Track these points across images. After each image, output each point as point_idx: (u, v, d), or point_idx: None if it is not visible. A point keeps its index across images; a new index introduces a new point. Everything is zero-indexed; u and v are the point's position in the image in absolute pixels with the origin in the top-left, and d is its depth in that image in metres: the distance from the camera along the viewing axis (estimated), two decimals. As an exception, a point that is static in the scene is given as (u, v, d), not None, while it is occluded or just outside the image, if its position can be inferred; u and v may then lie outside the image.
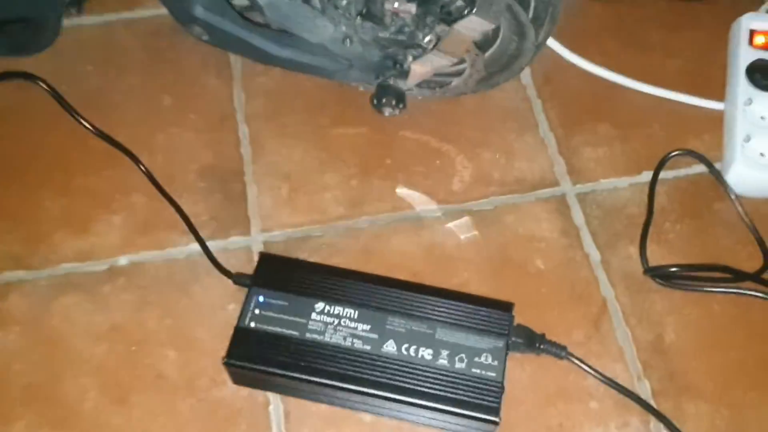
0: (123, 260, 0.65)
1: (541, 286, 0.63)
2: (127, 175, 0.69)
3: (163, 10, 0.75)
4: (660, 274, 0.63)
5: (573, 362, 0.59)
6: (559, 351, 0.58)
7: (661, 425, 0.58)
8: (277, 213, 0.67)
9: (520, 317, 0.58)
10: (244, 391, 0.59)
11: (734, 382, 0.59)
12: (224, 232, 0.66)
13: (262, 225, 0.67)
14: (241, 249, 0.66)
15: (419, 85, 0.68)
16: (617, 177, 0.69)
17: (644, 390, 0.59)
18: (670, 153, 0.69)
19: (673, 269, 0.62)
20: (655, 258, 0.65)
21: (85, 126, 0.70)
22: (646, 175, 0.69)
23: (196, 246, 0.65)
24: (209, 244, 0.65)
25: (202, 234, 0.66)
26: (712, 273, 0.63)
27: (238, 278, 0.62)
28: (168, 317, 0.62)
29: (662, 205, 0.67)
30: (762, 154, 0.66)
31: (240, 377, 0.58)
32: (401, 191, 0.67)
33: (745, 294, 0.62)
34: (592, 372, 0.58)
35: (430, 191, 0.69)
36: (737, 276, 0.62)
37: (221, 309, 0.62)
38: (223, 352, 0.59)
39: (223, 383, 0.59)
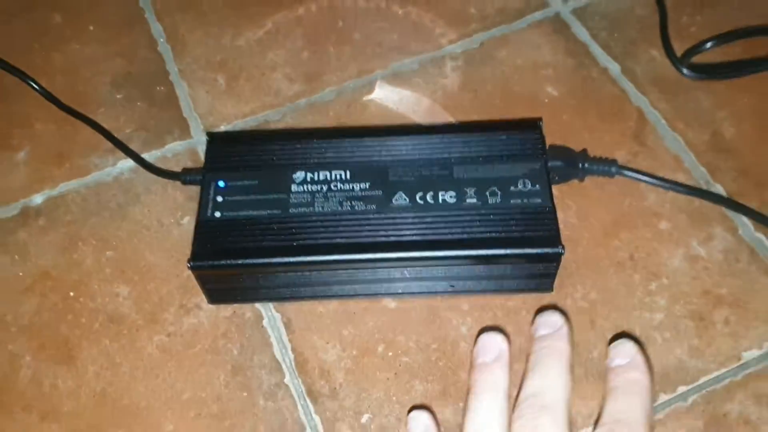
0: (38, 198, 0.50)
1: (561, 113, 0.51)
2: (24, 105, 0.55)
3: None
4: (697, 67, 0.52)
5: (628, 176, 0.46)
6: (608, 167, 0.46)
7: (751, 226, 0.46)
8: (219, 106, 0.54)
9: (547, 145, 0.46)
10: (226, 309, 0.45)
11: (822, 159, 0.48)
12: (158, 140, 0.53)
13: (203, 123, 0.53)
14: (183, 154, 0.52)
15: None
16: (613, -17, 0.58)
17: (719, 194, 0.47)
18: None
19: (708, 44, 0.51)
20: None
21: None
22: (645, -25, 0.58)
23: (126, 163, 0.51)
24: (144, 157, 0.51)
25: (131, 148, 0.52)
26: (756, 38, 0.51)
27: (187, 175, 0.48)
28: (108, 249, 0.48)
29: (672, 0, 0.56)
30: None
31: (216, 291, 0.44)
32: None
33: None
34: (655, 181, 0.46)
35: (400, 45, 0.56)
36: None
37: (175, 225, 0.49)
38: (188, 273, 0.45)
39: (197, 307, 0.45)
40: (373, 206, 0.43)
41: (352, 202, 0.43)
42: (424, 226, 0.42)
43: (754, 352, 0.42)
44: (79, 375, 0.44)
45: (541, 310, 0.42)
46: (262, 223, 0.42)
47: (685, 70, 0.52)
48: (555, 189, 0.47)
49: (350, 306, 0.45)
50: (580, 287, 0.44)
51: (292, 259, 0.41)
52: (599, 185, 0.48)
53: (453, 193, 0.43)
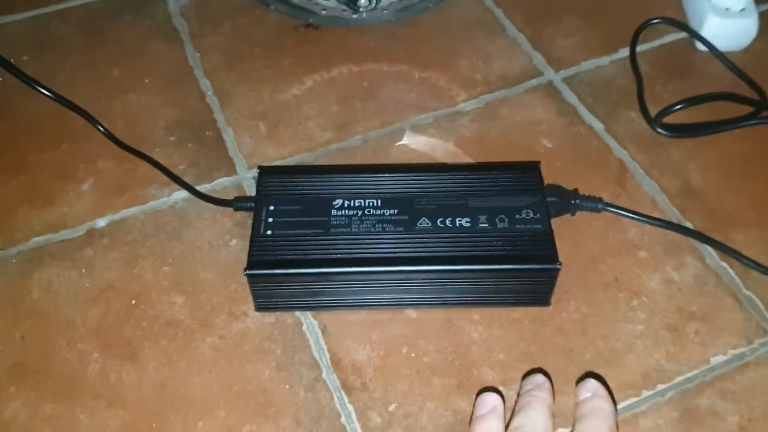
0: (101, 222, 0.58)
1: (554, 161, 0.60)
2: (89, 143, 0.63)
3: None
4: (669, 126, 0.61)
5: (613, 212, 0.55)
6: (595, 203, 0.55)
7: (716, 257, 0.54)
8: (261, 149, 0.62)
9: (545, 183, 0.55)
10: (270, 317, 0.52)
11: (774, 204, 0.57)
12: (208, 176, 0.61)
13: (247, 163, 0.62)
14: (230, 188, 0.60)
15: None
16: (597, 57, 0.68)
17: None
18: (644, 23, 0.68)
19: (678, 106, 0.61)
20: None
21: (41, 92, 0.64)
22: (623, 52, 0.69)
23: (180, 194, 0.59)
24: (198, 189, 0.59)
25: (185, 181, 0.60)
26: (719, 102, 0.62)
27: (239, 202, 0.56)
28: (165, 266, 0.55)
29: (647, 72, 0.67)
30: (727, 9, 0.67)
31: (264, 299, 0.52)
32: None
33: (755, 124, 0.61)
34: (636, 217, 0.55)
35: (417, 103, 0.65)
36: (743, 101, 0.61)
37: (223, 246, 0.56)
38: (235, 286, 0.53)
39: (245, 315, 0.52)
40: (401, 228, 0.51)
41: (383, 225, 0.51)
42: (443, 244, 0.50)
43: (720, 358, 0.50)
44: (141, 369, 0.50)
45: (528, 374, 0.48)
46: (308, 240, 0.50)
47: (658, 129, 0.61)
48: (552, 220, 0.56)
49: (377, 315, 0.52)
50: (573, 302, 0.52)
51: (332, 270, 0.49)
52: (588, 220, 0.56)
53: (468, 219, 0.51)
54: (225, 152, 0.62)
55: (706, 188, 0.58)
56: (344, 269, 0.49)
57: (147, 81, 0.68)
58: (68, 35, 0.72)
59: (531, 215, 0.51)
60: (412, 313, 0.52)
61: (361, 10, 0.63)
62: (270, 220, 0.51)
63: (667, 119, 0.62)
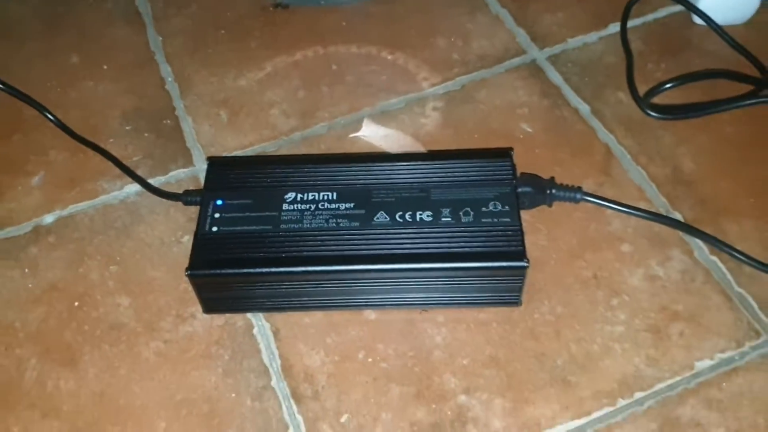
0: (49, 218, 0.55)
1: (534, 148, 0.56)
2: (41, 134, 0.60)
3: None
4: (660, 108, 0.56)
5: (592, 202, 0.50)
6: (573, 193, 0.50)
7: (706, 250, 0.49)
8: (220, 138, 0.59)
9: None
10: (219, 319, 0.49)
11: (772, 191, 0.52)
12: (163, 168, 0.57)
13: (205, 153, 0.58)
14: (185, 180, 0.56)
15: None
16: (584, 34, 0.63)
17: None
18: (634, -4, 0.63)
19: (668, 85, 0.56)
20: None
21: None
22: (614, 27, 0.63)
23: (132, 187, 0.56)
24: (151, 182, 0.56)
25: (137, 173, 0.56)
26: (714, 81, 0.56)
27: (188, 196, 0.52)
28: (112, 264, 0.52)
29: (639, 49, 0.62)
30: (728, -22, 0.61)
31: (210, 300, 0.48)
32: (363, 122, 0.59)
33: (754, 104, 0.55)
34: (617, 207, 0.50)
35: (388, 87, 0.61)
36: (742, 79, 0.56)
37: (175, 243, 0.52)
38: (185, 286, 0.49)
39: (192, 317, 0.49)
40: (357, 223, 0.47)
41: (338, 220, 0.47)
42: (402, 241, 0.45)
43: (707, 362, 0.45)
44: (81, 377, 0.47)
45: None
46: (255, 237, 0.46)
47: (648, 110, 0.56)
48: (527, 214, 0.51)
49: (334, 317, 0.48)
50: (547, 302, 0.48)
51: (280, 269, 0.45)
52: (567, 211, 0.52)
53: (429, 213, 0.47)
54: (182, 142, 0.59)
55: (699, 175, 0.54)
56: (292, 269, 0.45)
57: (105, 68, 0.64)
58: (27, 20, 0.69)
59: (499, 208, 0.47)
60: (371, 314, 0.48)
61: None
62: (217, 215, 0.47)
63: (658, 99, 0.57)
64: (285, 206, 0.48)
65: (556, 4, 0.66)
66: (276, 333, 0.48)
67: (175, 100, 0.61)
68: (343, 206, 0.47)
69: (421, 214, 0.47)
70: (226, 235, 0.46)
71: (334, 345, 0.47)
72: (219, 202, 0.48)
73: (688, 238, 0.50)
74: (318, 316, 0.48)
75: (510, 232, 0.45)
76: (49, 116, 0.59)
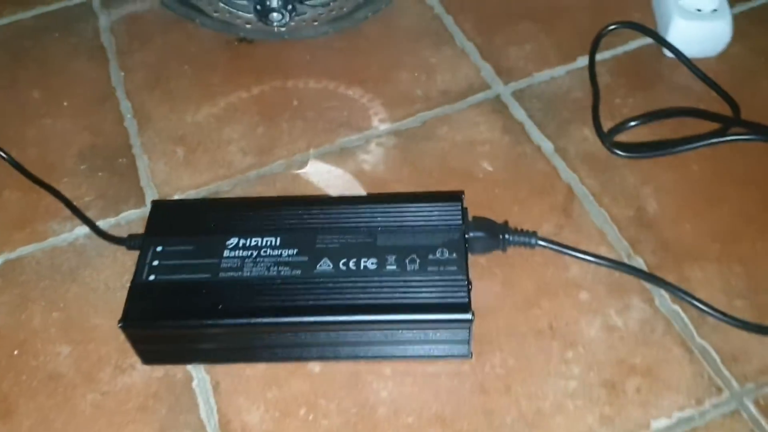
0: (-4, 261, 0.53)
1: (493, 187, 0.54)
2: (-5, 174, 0.58)
3: (22, 14, 0.67)
4: (624, 146, 0.54)
5: (548, 248, 0.48)
6: (528, 238, 0.48)
7: (668, 298, 0.47)
8: (175, 177, 0.57)
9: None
10: (159, 371, 0.47)
11: (739, 235, 0.50)
12: (114, 209, 0.56)
13: (159, 193, 0.56)
14: (136, 222, 0.55)
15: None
16: (551, 68, 0.61)
17: (638, 267, 0.49)
18: (604, 29, 0.61)
19: (633, 123, 0.54)
20: (617, 138, 0.56)
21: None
22: (582, 61, 0.62)
23: (82, 229, 0.55)
24: (99, 223, 0.54)
25: (89, 215, 0.55)
26: (683, 119, 0.54)
27: (132, 240, 0.51)
28: (55, 310, 0.50)
29: (607, 83, 0.60)
30: (699, 10, 0.59)
31: (148, 352, 0.46)
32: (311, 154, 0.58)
33: (722, 142, 0.53)
34: (574, 253, 0.48)
35: (347, 122, 0.59)
36: (710, 117, 0.54)
37: (120, 289, 0.51)
38: (127, 334, 0.47)
39: (131, 368, 0.47)
40: (299, 272, 0.45)
41: (279, 268, 0.45)
42: (344, 291, 0.44)
43: (663, 422, 0.43)
44: (15, 430, 0.45)
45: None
46: (192, 286, 0.45)
47: (612, 148, 0.54)
48: (482, 258, 0.49)
49: (277, 369, 0.46)
50: (498, 353, 0.46)
51: (215, 322, 0.43)
52: (525, 256, 0.50)
53: (374, 260, 0.45)
54: (136, 181, 0.57)
55: (662, 216, 0.51)
56: (228, 321, 0.43)
57: (66, 104, 0.63)
58: (-8, 54, 0.68)
59: (446, 255, 0.45)
60: (315, 366, 0.46)
61: (275, 24, 0.57)
62: (155, 263, 0.46)
63: (623, 137, 0.55)
64: (226, 253, 0.46)
65: (524, 36, 0.64)
66: (216, 386, 0.46)
67: (133, 138, 0.60)
68: (285, 252, 0.46)
69: (365, 262, 0.45)
70: (164, 284, 0.45)
71: (275, 400, 0.45)
72: (159, 248, 0.47)
73: (649, 285, 0.48)
74: (260, 368, 0.47)
75: (455, 283, 0.44)
76: (3, 155, 0.58)
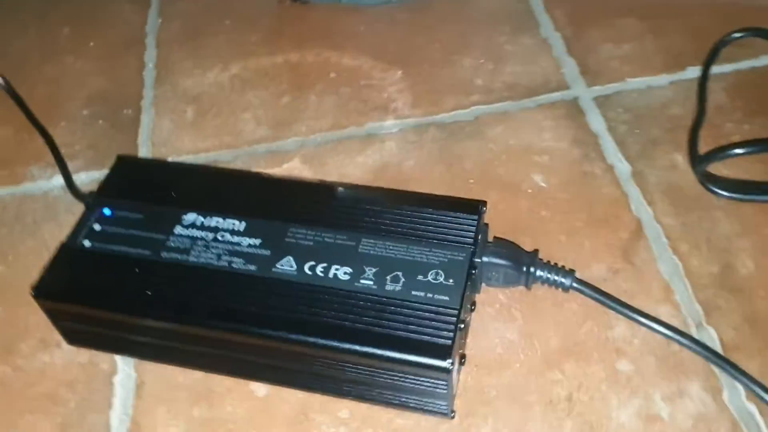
0: (-37, 200, 0.47)
1: (541, 208, 0.42)
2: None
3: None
4: (723, 181, 0.41)
5: (586, 294, 0.36)
6: (561, 277, 0.36)
7: (742, 392, 0.34)
8: (175, 138, 0.49)
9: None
10: (83, 355, 0.39)
11: None
12: (102, 162, 0.48)
13: (153, 152, 0.49)
14: (120, 180, 0.47)
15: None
16: (651, 75, 0.49)
17: (709, 342, 0.36)
18: (727, 35, 0.48)
19: (739, 150, 0.41)
20: (716, 169, 0.43)
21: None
22: (693, 71, 0.49)
23: (59, 180, 0.47)
24: (80, 176, 0.48)
25: (72, 165, 0.48)
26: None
27: (88, 198, 0.43)
28: (1, 264, 0.43)
29: (719, 103, 0.47)
30: None
31: (73, 332, 0.38)
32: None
33: None
34: (621, 308, 0.36)
35: (384, 106, 0.49)
36: None
37: (77, 252, 0.43)
38: (65, 305, 0.39)
39: (56, 346, 0.40)
40: (254, 267, 0.35)
41: (232, 258, 0.36)
42: (301, 302, 0.34)
43: None
44: None
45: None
46: (126, 263, 0.36)
47: (704, 181, 0.41)
48: (502, 294, 0.38)
49: (215, 382, 0.37)
50: (491, 421, 0.34)
51: (137, 311, 0.35)
52: (557, 300, 0.38)
53: (349, 270, 0.35)
54: (134, 136, 0.50)
55: (757, 282, 0.38)
56: (152, 313, 0.34)
57: (92, 44, 0.57)
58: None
59: (440, 279, 0.34)
60: (260, 388, 0.37)
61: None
62: (96, 227, 0.38)
63: (724, 170, 0.42)
64: (178, 229, 0.37)
65: (624, 34, 0.52)
66: (139, 387, 0.37)
67: (147, 89, 0.53)
68: (246, 241, 0.36)
69: (337, 270, 0.35)
70: (97, 254, 0.37)
71: (201, 420, 0.36)
72: (106, 212, 0.38)
73: (719, 370, 0.35)
74: (196, 376, 0.37)
75: (442, 317, 0.33)
76: (5, 87, 0.52)
